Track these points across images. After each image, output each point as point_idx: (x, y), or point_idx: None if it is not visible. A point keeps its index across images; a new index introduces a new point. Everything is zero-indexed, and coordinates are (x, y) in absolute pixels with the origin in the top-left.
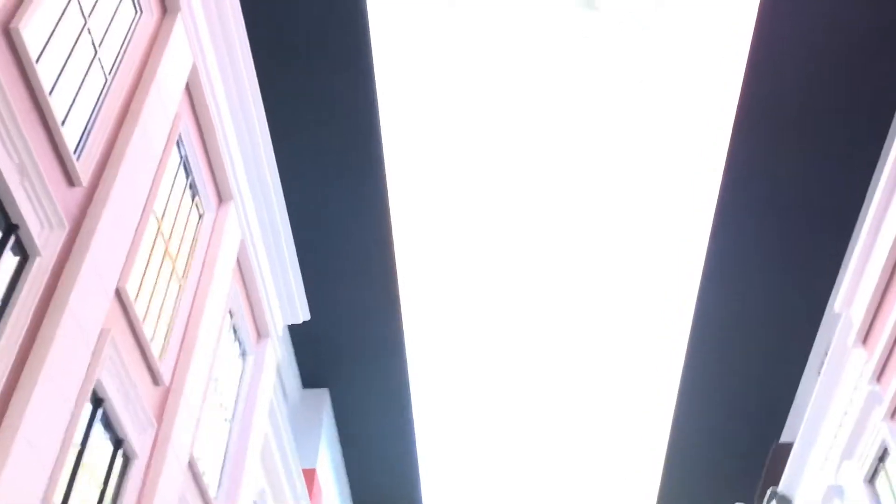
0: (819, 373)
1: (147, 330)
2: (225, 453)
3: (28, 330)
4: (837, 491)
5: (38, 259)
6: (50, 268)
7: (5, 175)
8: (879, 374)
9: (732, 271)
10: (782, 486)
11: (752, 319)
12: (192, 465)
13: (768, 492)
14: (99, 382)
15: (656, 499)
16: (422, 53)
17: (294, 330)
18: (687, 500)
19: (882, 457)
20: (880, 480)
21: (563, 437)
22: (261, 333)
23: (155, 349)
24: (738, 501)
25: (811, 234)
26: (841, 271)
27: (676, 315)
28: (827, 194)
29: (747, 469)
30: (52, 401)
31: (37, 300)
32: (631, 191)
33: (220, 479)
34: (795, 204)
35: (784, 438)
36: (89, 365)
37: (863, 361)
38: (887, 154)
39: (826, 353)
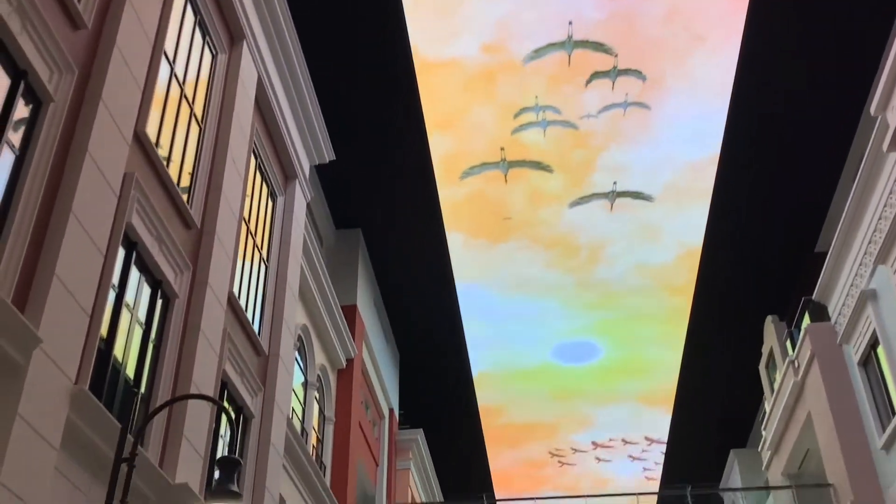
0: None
1: (172, 173)
2: (264, 291)
3: (50, 178)
4: (871, 295)
5: (51, 105)
6: (64, 113)
7: (6, 20)
8: None
9: (768, 74)
10: (816, 295)
11: (788, 125)
12: (232, 303)
13: (801, 301)
14: (130, 226)
15: (689, 312)
16: None
17: (323, 172)
18: (719, 312)
19: None
20: None
21: (593, 256)
22: (288, 175)
23: (182, 193)
24: (770, 314)
25: (849, 36)
26: (878, 74)
27: (710, 119)
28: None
29: (781, 281)
30: (83, 245)
31: (55, 147)
32: None
33: (261, 316)
34: (832, 9)
35: (819, 248)
36: (117, 209)
37: None
38: None
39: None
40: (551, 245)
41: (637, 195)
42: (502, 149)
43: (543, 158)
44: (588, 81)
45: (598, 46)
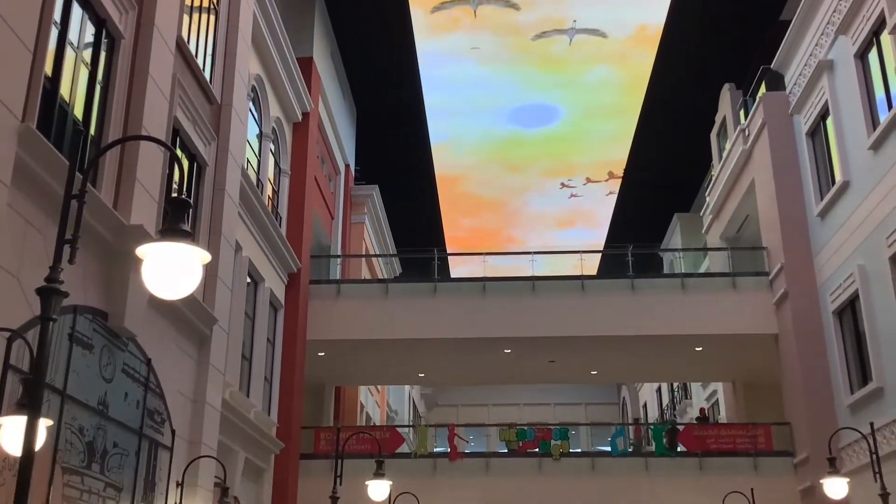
0: None
1: None
2: (215, 38)
3: None
4: (828, 65)
5: None
6: None
7: None
8: None
9: None
10: (775, 65)
11: None
12: (181, 48)
13: (759, 70)
14: None
15: (648, 77)
16: None
17: None
18: (679, 79)
19: (877, 30)
20: (871, 55)
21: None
22: None
23: None
24: (727, 82)
25: None
26: None
27: None
28: None
29: (743, 49)
30: None
31: None
32: None
33: (213, 63)
34: None
35: (784, 17)
36: None
37: None
38: None
39: None
40: (515, 31)
41: (595, 32)
42: None
43: None
44: None
45: None
